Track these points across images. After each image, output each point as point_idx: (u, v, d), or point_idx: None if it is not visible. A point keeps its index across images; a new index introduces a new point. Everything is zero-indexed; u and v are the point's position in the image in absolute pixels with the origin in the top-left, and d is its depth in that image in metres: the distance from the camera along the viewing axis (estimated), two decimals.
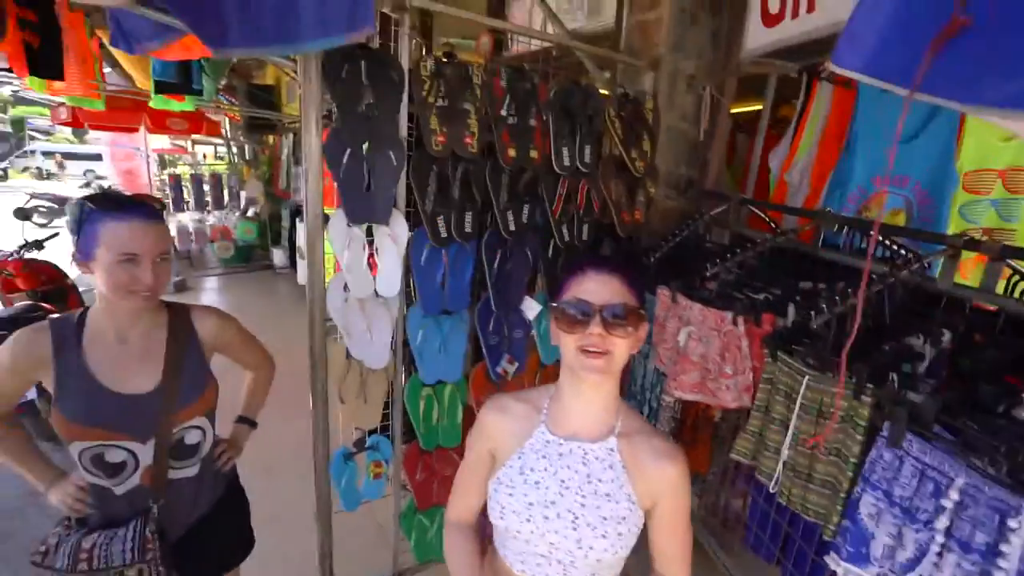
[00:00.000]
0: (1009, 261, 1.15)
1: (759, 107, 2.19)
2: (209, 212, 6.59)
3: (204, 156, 8.14)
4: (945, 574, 0.81)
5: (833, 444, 1.09)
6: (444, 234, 1.52)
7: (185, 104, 3.82)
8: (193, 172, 6.63)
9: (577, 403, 0.88)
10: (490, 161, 1.58)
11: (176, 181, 6.38)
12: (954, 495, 0.81)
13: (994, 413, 0.82)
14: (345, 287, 1.46)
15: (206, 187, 6.50)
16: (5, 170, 15.95)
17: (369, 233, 1.48)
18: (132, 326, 1.05)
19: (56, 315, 1.04)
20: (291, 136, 5.94)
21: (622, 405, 0.92)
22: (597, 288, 0.83)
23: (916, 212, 1.81)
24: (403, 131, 1.43)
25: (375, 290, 1.48)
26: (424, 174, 1.48)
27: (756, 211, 1.90)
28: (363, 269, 1.44)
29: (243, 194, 6.88)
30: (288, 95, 5.78)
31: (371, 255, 1.47)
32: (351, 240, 1.42)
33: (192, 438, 1.12)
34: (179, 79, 3.41)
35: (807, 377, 1.13)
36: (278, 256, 6.58)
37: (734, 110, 2.07)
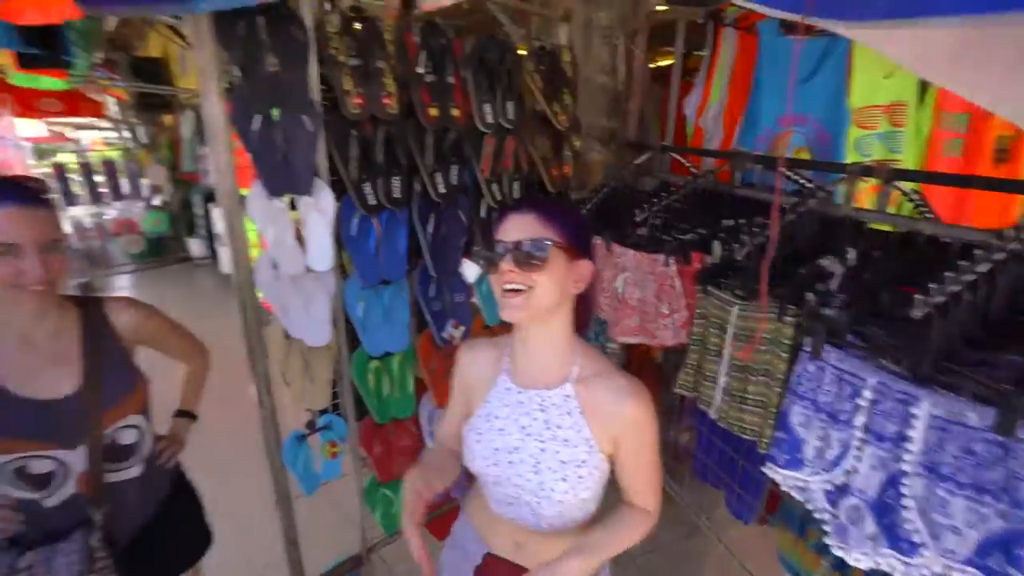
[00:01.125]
0: (897, 184, 1.27)
1: (671, 61, 2.24)
2: (107, 204, 5.97)
3: (92, 143, 7.28)
4: (864, 464, 0.91)
5: (762, 366, 1.18)
6: (373, 201, 1.46)
7: (57, 82, 3.36)
8: (80, 161, 5.92)
9: (525, 350, 0.88)
10: (412, 122, 1.52)
11: (60, 172, 5.67)
12: (868, 394, 0.90)
13: (894, 318, 0.92)
14: (275, 265, 1.38)
15: (99, 177, 5.85)
16: None
17: (293, 207, 1.40)
18: (36, 326, 0.95)
19: None
20: (190, 113, 5.43)
21: (580, 348, 0.89)
22: (511, 227, 0.81)
23: (817, 148, 1.95)
24: (315, 94, 1.34)
25: (307, 265, 1.42)
26: (344, 139, 1.40)
27: (677, 157, 1.97)
28: (291, 243, 1.37)
29: (145, 182, 6.28)
30: (180, 67, 5.23)
31: (298, 229, 1.40)
32: (274, 215, 1.33)
33: (127, 438, 1.05)
34: (44, 50, 2.97)
35: (736, 307, 1.21)
36: (196, 247, 6.10)
37: (651, 66, 2.11)
